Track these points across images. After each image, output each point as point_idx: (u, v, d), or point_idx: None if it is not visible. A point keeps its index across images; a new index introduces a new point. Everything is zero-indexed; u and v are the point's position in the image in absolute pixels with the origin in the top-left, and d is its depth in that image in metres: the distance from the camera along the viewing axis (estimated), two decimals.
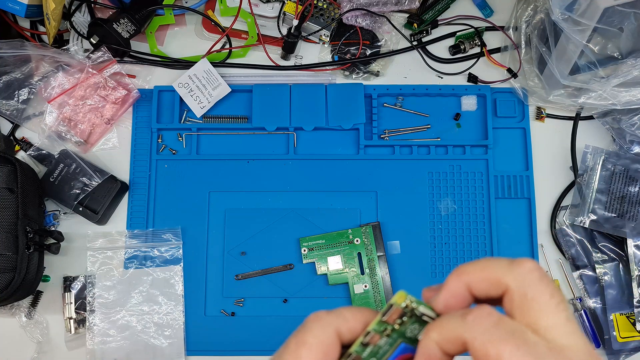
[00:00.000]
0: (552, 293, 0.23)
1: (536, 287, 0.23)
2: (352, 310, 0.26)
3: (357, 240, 0.69)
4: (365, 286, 0.67)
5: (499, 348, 0.22)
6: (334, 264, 0.68)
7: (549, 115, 0.74)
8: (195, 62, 0.73)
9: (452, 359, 0.25)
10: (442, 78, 0.75)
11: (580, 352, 0.22)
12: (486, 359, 0.22)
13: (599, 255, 0.68)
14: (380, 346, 0.27)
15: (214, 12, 0.76)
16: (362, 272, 0.68)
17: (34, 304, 0.68)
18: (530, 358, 0.21)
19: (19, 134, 0.73)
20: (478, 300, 0.25)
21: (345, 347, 0.27)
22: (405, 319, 0.27)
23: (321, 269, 0.68)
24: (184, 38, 0.77)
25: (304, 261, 0.68)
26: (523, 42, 0.72)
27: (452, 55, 0.76)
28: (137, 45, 0.76)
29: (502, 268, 0.24)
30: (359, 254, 0.68)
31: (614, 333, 0.66)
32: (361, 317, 0.26)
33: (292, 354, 0.25)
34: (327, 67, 0.75)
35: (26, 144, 0.72)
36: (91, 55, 0.72)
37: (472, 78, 0.75)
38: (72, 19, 0.74)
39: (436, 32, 0.77)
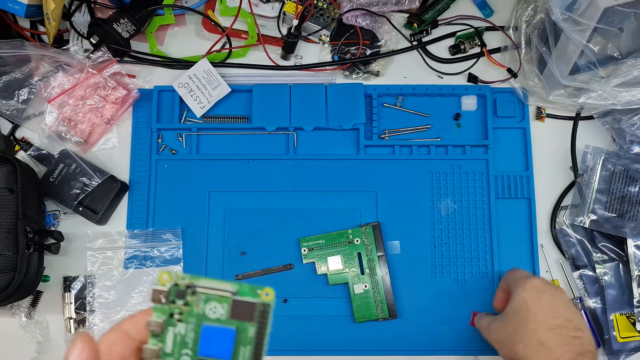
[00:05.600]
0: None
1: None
2: (130, 316, 0.28)
3: (357, 240, 0.69)
4: (365, 286, 0.67)
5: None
6: (334, 264, 0.68)
7: (549, 115, 0.74)
8: (195, 62, 0.73)
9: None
10: (442, 78, 0.75)
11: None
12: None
13: (599, 255, 0.68)
14: (182, 334, 0.27)
15: (214, 12, 0.76)
16: (362, 272, 0.68)
17: (34, 304, 0.68)
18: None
19: (19, 134, 0.73)
20: None
21: None
22: (189, 298, 0.27)
23: (321, 269, 0.68)
24: (184, 38, 0.77)
25: (304, 261, 0.68)
26: (523, 42, 0.72)
27: (452, 55, 0.76)
28: (137, 45, 0.76)
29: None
30: (359, 254, 0.68)
31: (614, 333, 0.66)
32: (141, 314, 0.28)
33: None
34: (327, 67, 0.75)
35: (26, 144, 0.72)
36: (91, 55, 0.72)
37: (472, 78, 0.75)
38: (72, 19, 0.74)
39: (436, 32, 0.77)
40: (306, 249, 0.69)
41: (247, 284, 0.28)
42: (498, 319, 0.60)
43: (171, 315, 0.27)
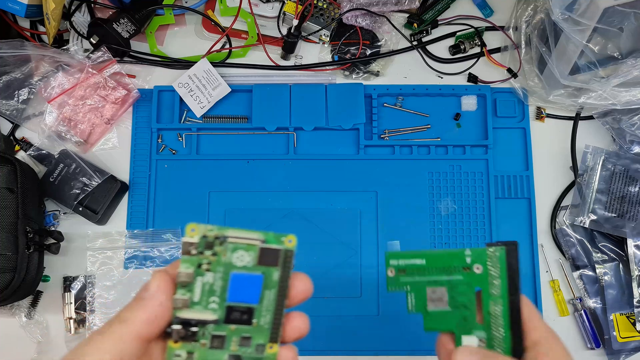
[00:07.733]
0: None
1: None
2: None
3: (478, 268, 0.37)
4: (482, 342, 0.36)
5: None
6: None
7: (549, 115, 0.74)
8: (195, 62, 0.73)
9: None
10: (442, 78, 0.75)
11: None
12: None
13: (599, 255, 0.68)
14: (211, 283, 0.28)
15: (214, 12, 0.76)
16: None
17: (34, 304, 0.68)
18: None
19: (19, 134, 0.73)
20: None
21: None
22: (217, 249, 0.29)
23: (413, 303, 0.39)
24: (184, 38, 0.77)
25: (389, 288, 0.39)
26: (523, 42, 0.72)
27: (452, 55, 0.76)
28: (137, 45, 0.76)
29: None
30: (480, 290, 0.37)
31: (614, 333, 0.66)
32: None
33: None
34: (327, 67, 0.75)
35: (26, 144, 0.72)
36: (91, 55, 0.72)
37: (472, 78, 0.75)
38: (72, 19, 0.74)
39: (436, 32, 0.77)
40: (394, 270, 0.39)
41: (272, 232, 0.30)
42: None
43: (199, 265, 0.28)
